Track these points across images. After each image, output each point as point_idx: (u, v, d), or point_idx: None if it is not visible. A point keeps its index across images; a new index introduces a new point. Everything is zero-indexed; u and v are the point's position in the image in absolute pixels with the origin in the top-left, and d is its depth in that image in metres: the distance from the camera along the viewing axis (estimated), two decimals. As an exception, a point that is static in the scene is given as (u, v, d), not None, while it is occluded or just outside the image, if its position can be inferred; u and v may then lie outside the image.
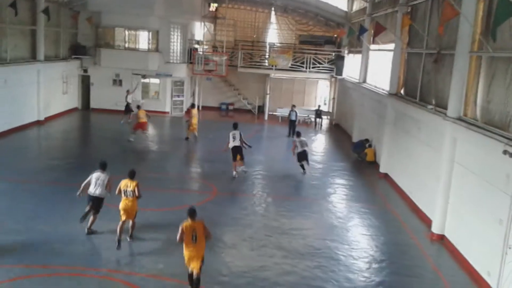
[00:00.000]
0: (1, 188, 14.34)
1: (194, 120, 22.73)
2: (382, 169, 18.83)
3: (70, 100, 28.54)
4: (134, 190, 10.96)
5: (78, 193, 11.50)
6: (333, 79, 31.35)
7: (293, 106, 26.80)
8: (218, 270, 10.23)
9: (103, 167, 11.61)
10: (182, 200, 14.68)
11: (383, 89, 20.00)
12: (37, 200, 13.59)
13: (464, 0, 11.75)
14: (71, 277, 9.49)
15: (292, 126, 25.53)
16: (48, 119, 25.18)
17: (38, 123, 24.17)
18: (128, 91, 26.40)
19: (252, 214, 13.83)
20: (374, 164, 20.12)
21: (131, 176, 11.20)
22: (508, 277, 9.17)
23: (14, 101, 21.94)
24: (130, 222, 11.29)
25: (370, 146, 21.02)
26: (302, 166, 18.35)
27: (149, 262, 10.38)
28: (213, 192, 15.48)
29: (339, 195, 16.38)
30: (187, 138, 23.02)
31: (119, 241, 10.84)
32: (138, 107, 23.46)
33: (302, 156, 18.28)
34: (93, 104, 29.31)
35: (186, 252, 8.96)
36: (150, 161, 19.30)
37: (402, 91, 17.93)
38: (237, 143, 17.06)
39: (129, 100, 26.07)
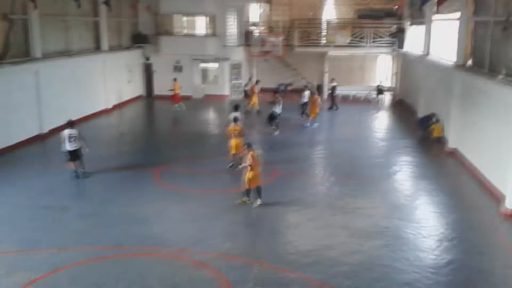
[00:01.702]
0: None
1: (254, 98, 24.50)
2: (450, 145, 18.07)
3: (135, 88, 29.55)
4: (240, 131, 15.33)
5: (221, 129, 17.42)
6: (394, 53, 30.28)
7: (333, 79, 27.35)
8: (285, 249, 10.32)
9: (236, 108, 17.17)
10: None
11: (449, 61, 19.09)
12: (108, 185, 14.27)
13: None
14: (144, 257, 9.93)
15: (333, 98, 26.89)
16: (115, 107, 26.24)
17: (106, 111, 25.25)
18: (249, 79, 28.08)
19: (315, 194, 13.77)
20: (442, 140, 19.35)
21: (235, 120, 15.60)
22: None
23: (82, 91, 23.04)
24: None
25: (437, 121, 20.15)
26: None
27: (216, 242, 10.63)
28: (275, 173, 15.54)
29: (405, 172, 15.94)
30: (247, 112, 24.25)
31: (232, 165, 15.23)
32: (175, 79, 26.30)
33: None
34: (156, 91, 30.16)
35: (257, 173, 12.43)
36: (215, 144, 19.62)
37: (469, 62, 17.03)
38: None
39: (247, 88, 27.54)
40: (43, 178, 14.87)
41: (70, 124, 14.81)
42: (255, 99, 24.53)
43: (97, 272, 9.26)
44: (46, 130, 19.92)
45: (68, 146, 14.53)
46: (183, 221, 11.73)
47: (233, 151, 15.34)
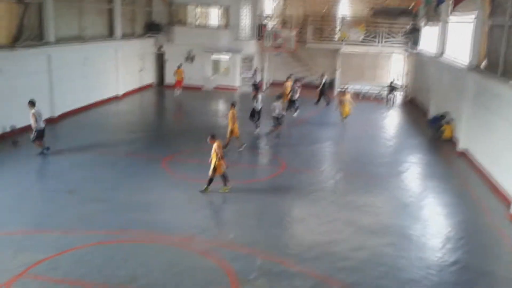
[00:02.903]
0: (84, 159, 15.29)
1: (287, 91, 24.42)
2: (460, 146, 17.95)
3: (146, 76, 29.60)
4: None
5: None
6: (408, 52, 30.07)
7: (323, 74, 27.39)
8: (288, 242, 10.33)
9: (278, 98, 19.16)
10: (253, 174, 14.93)
11: (462, 63, 18.92)
12: (116, 171, 14.36)
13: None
14: (149, 244, 9.99)
15: (323, 93, 26.76)
16: (126, 94, 26.33)
17: (116, 98, 25.34)
18: (256, 71, 28.39)
19: (320, 190, 13.74)
20: (452, 141, 19.22)
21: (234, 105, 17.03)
22: None
23: (94, 77, 23.12)
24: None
25: (449, 121, 19.97)
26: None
27: (222, 231, 10.69)
28: (282, 167, 15.55)
29: (413, 172, 15.86)
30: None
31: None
32: (179, 66, 27.49)
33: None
34: (168, 80, 30.18)
35: (222, 161, 12.55)
36: (221, 136, 19.61)
37: (483, 65, 16.86)
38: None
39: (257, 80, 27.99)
40: (51, 162, 14.99)
41: (34, 103, 15.20)
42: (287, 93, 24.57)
43: (101, 256, 9.33)
44: (56, 114, 20.06)
45: (42, 124, 15.19)
46: (188, 210, 11.77)
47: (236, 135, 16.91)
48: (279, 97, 19.34)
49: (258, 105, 19.71)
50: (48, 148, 15.48)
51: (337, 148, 18.92)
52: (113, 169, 14.54)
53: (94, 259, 9.17)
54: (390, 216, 12.07)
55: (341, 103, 22.07)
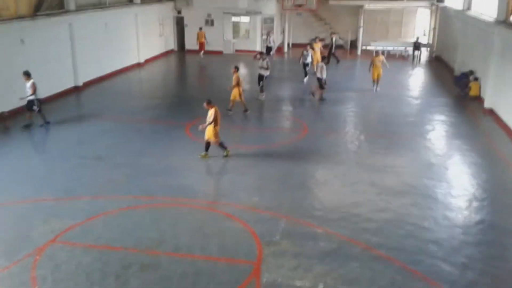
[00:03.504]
0: (109, 126, 15.55)
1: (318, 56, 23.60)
2: (487, 104, 17.54)
3: (167, 42, 29.51)
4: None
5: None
6: (433, 7, 29.08)
7: (333, 33, 28.52)
8: (311, 205, 10.43)
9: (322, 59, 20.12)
10: (275, 138, 14.95)
11: (489, 17, 18.22)
12: (141, 137, 14.58)
13: None
14: (175, 208, 10.24)
15: (332, 53, 26.89)
16: (148, 61, 26.37)
17: (138, 65, 25.43)
18: (269, 33, 27.94)
19: (344, 152, 13.72)
20: (478, 99, 18.78)
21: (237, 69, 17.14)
22: None
23: (115, 44, 23.18)
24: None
25: (475, 79, 19.47)
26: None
27: (245, 195, 10.83)
28: (304, 130, 15.52)
29: (438, 132, 15.63)
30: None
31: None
32: (200, 28, 27.94)
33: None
34: (188, 45, 30.03)
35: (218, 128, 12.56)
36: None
37: (511, 18, 16.24)
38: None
39: (270, 44, 27.39)
40: (78, 130, 15.29)
41: (29, 74, 14.87)
42: (318, 57, 23.09)
43: (130, 220, 9.61)
44: (81, 82, 20.31)
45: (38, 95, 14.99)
46: (212, 174, 11.97)
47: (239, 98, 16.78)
48: (323, 58, 20.38)
49: (266, 72, 19.11)
50: (48, 122, 15.31)
51: (361, 109, 18.70)
52: (138, 135, 14.77)
53: (123, 224, 9.45)
54: (415, 176, 12.00)
55: (372, 64, 20.48)
